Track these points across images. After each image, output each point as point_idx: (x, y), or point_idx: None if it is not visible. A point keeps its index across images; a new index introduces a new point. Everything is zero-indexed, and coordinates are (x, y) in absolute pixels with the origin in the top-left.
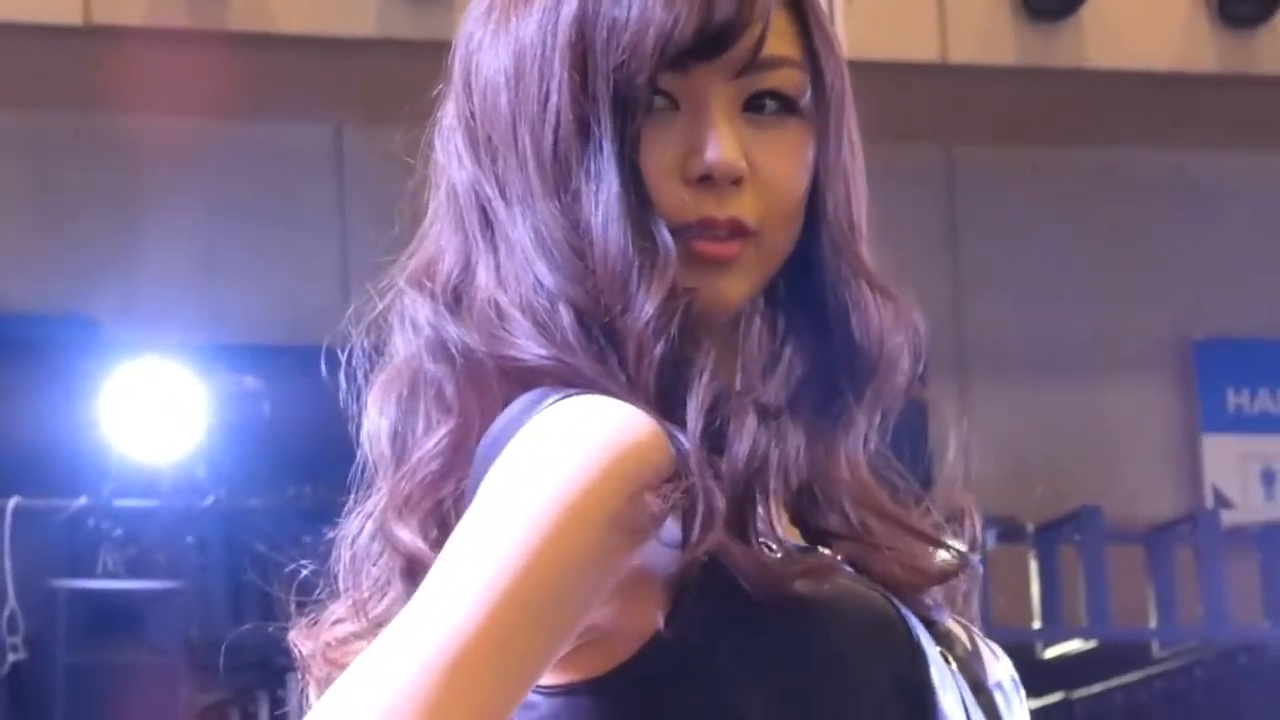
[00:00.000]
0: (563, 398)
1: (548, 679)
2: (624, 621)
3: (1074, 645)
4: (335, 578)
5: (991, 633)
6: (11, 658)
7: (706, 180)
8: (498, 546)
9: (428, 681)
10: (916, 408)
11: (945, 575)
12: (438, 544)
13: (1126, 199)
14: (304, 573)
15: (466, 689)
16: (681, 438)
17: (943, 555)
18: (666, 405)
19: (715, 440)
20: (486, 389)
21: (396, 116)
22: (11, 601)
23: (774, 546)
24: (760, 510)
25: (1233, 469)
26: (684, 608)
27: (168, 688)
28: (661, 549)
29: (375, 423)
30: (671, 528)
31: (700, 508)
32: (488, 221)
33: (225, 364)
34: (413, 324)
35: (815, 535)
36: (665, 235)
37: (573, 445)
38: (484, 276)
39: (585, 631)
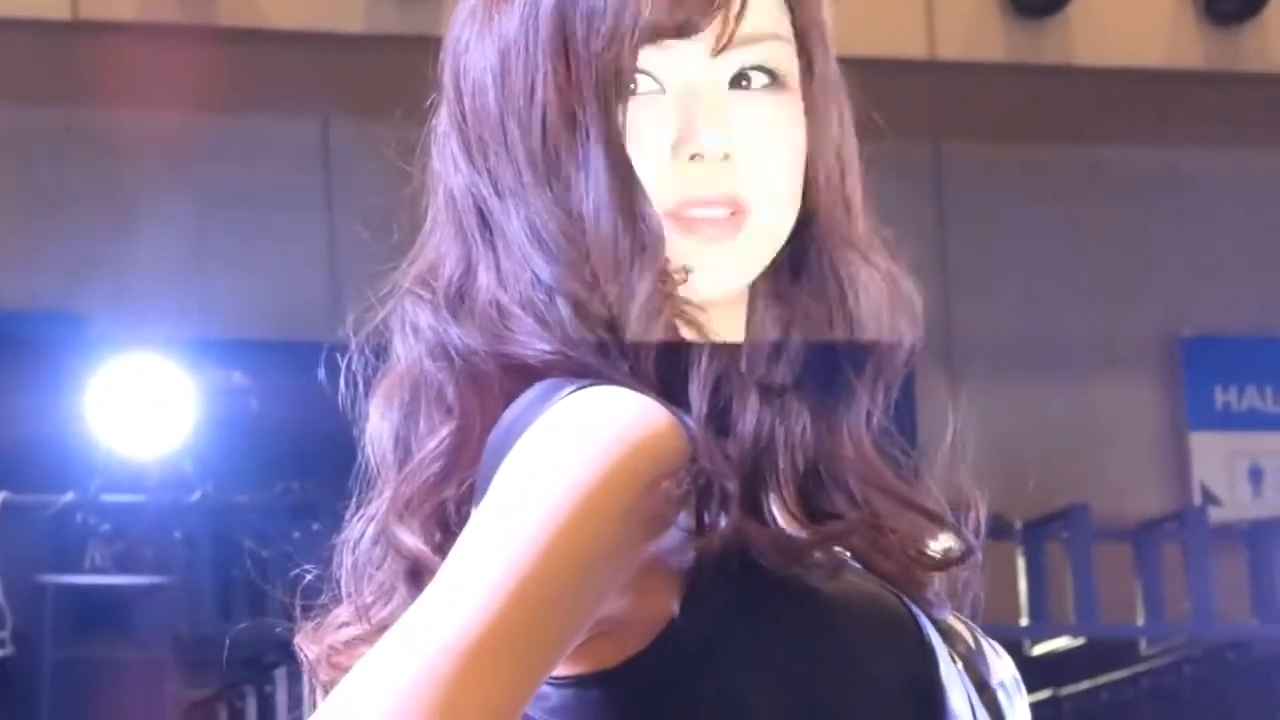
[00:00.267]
0: (577, 389)
1: (558, 670)
2: (637, 612)
3: (1062, 642)
4: (338, 582)
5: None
6: None
7: (696, 159)
8: (512, 539)
9: (441, 673)
10: (906, 403)
11: (949, 562)
12: (440, 547)
13: (1115, 196)
14: (306, 577)
15: (480, 681)
16: (692, 424)
17: (945, 541)
18: (669, 390)
19: (722, 422)
20: (487, 390)
21: (385, 111)
22: None
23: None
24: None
25: (1220, 466)
26: (698, 597)
27: (155, 683)
28: (675, 538)
29: (377, 427)
30: (685, 515)
31: (713, 491)
32: (485, 222)
33: (213, 359)
34: (413, 329)
35: (820, 519)
36: (653, 215)
37: (587, 437)
38: (485, 277)
39: (598, 623)
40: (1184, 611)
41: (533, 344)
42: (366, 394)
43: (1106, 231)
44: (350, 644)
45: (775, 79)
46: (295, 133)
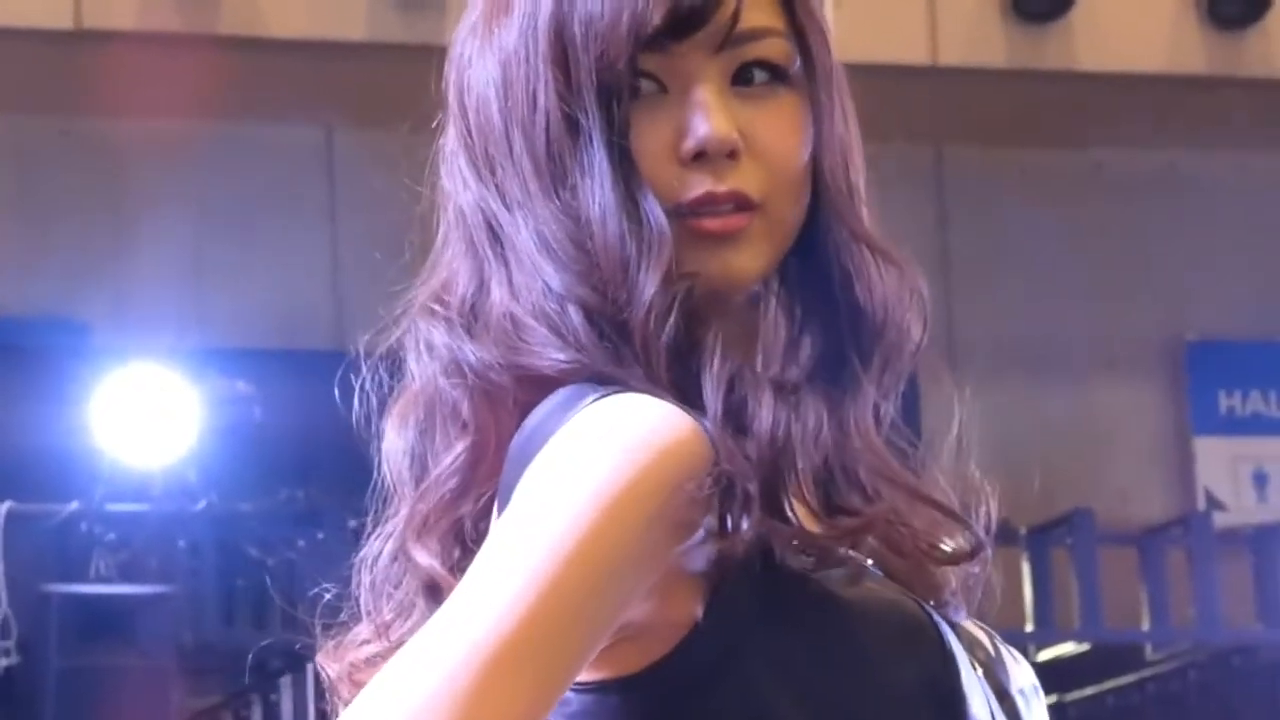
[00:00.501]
0: (600, 397)
1: (580, 675)
2: (661, 617)
3: (1067, 648)
4: (357, 600)
5: None
6: (4, 662)
7: (701, 157)
8: (536, 547)
9: (462, 683)
10: (910, 404)
11: (961, 556)
12: (458, 564)
13: (1117, 199)
14: (325, 596)
15: (500, 690)
16: (711, 427)
17: (956, 538)
18: (683, 392)
19: (737, 421)
20: (502, 404)
21: (388, 120)
22: (4, 606)
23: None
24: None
25: (1224, 471)
26: (721, 601)
27: (160, 692)
28: (699, 542)
29: (393, 445)
30: (709, 519)
31: (735, 493)
32: (496, 236)
33: (216, 368)
34: (428, 347)
35: (836, 515)
36: (659, 216)
37: (611, 444)
38: (498, 291)
39: (621, 628)
40: (1189, 617)
41: (548, 354)
42: (378, 408)
43: (1109, 235)
44: (371, 661)
45: (776, 74)
46: (298, 141)
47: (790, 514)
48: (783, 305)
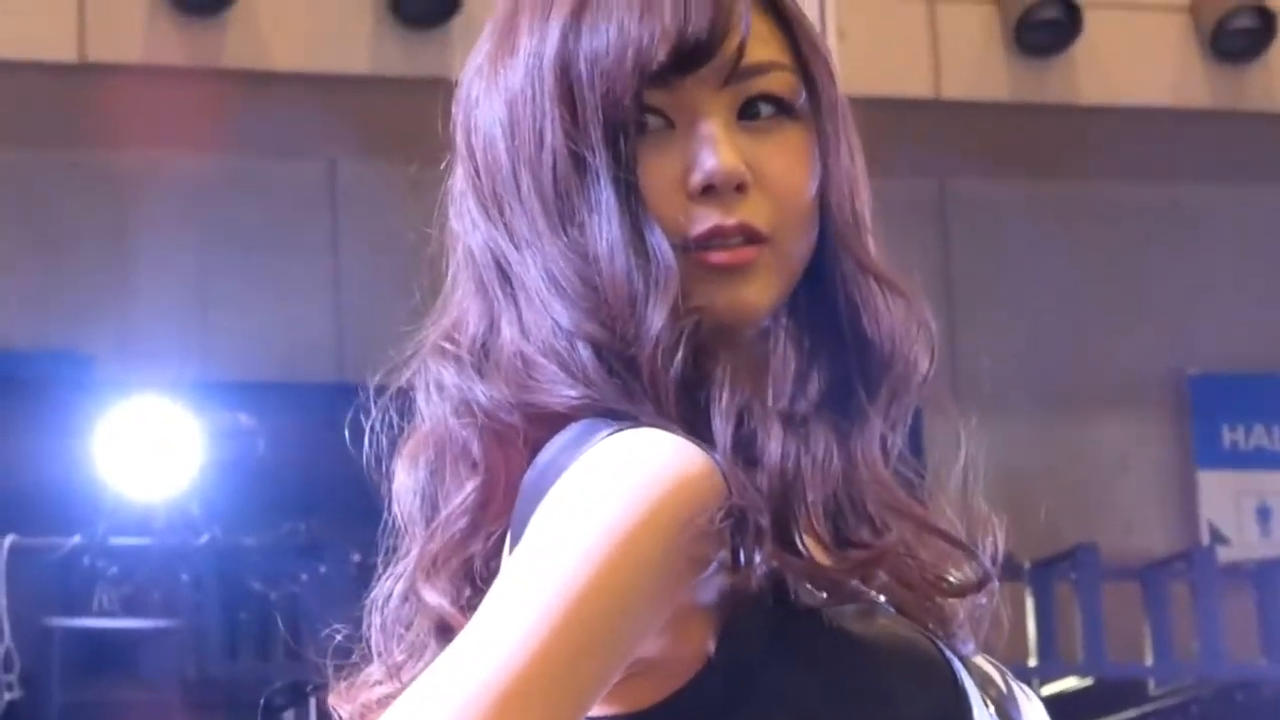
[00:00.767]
0: (613, 432)
1: (592, 710)
2: (673, 652)
3: (1070, 682)
4: (368, 641)
5: None
6: (7, 696)
7: (710, 191)
8: (549, 582)
9: (476, 714)
10: (914, 436)
11: (969, 588)
12: (468, 603)
13: (1120, 234)
14: (336, 637)
15: None
16: (723, 461)
17: (963, 570)
18: (693, 426)
19: (747, 454)
20: (512, 444)
21: (391, 153)
22: (7, 640)
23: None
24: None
25: (1228, 505)
26: (733, 636)
27: None
28: (712, 576)
29: (403, 485)
30: (722, 554)
31: (748, 527)
32: (505, 275)
33: (219, 401)
34: (438, 387)
35: (846, 548)
36: (665, 250)
37: (625, 480)
38: (508, 331)
39: (633, 663)
40: (1192, 651)
41: (559, 391)
42: (387, 447)
43: (1112, 269)
44: (383, 702)
45: (782, 108)
46: (301, 174)
47: (802, 547)
48: (791, 337)
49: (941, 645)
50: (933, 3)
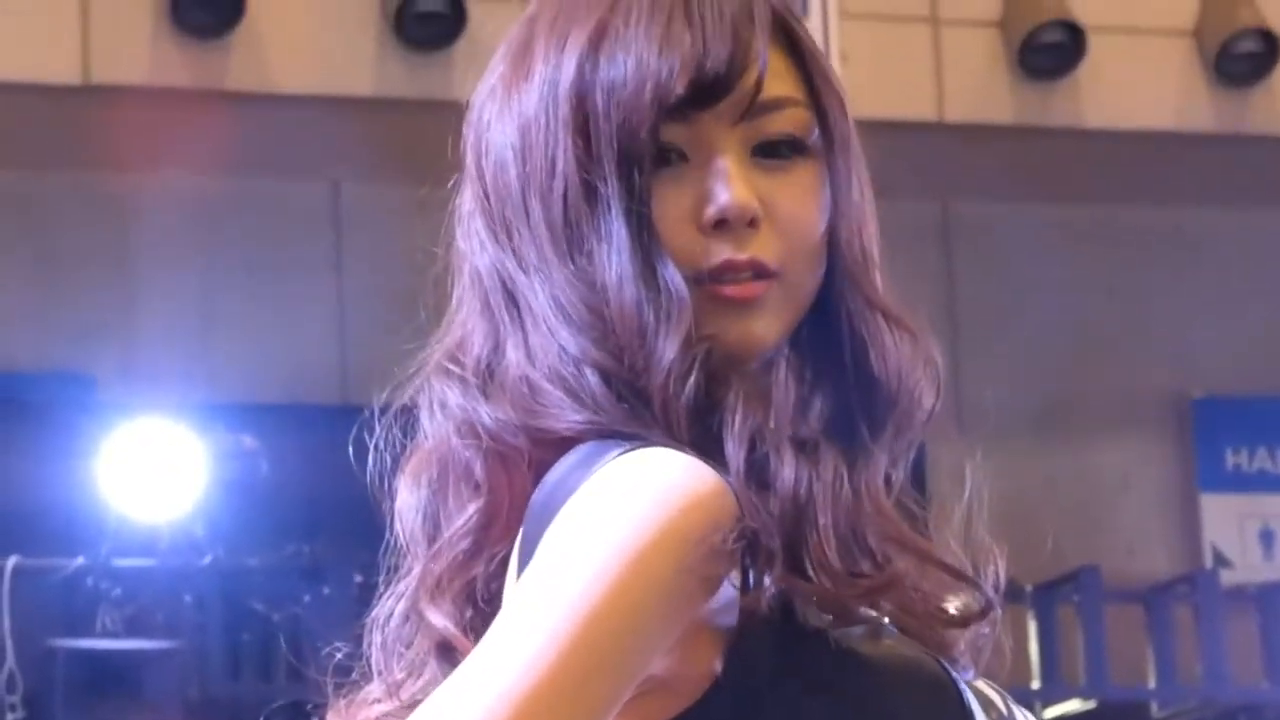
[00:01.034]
0: (625, 451)
1: None
2: (681, 671)
3: (1073, 705)
4: (368, 659)
5: None
6: (10, 717)
7: (722, 225)
8: (562, 602)
9: None
10: (917, 460)
11: (971, 618)
12: (470, 624)
13: (1123, 257)
14: (336, 655)
15: None
16: (735, 482)
17: (963, 598)
18: (704, 451)
19: (759, 479)
20: (516, 465)
21: (394, 174)
22: (10, 661)
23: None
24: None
25: (1231, 528)
26: (741, 657)
27: None
28: (722, 597)
29: (406, 504)
30: (732, 574)
31: (759, 549)
32: (512, 299)
33: (223, 423)
34: (441, 407)
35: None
36: (677, 281)
37: (638, 498)
38: (514, 354)
39: (642, 682)
40: (1195, 674)
41: (565, 416)
42: (390, 466)
43: (1115, 292)
44: None
45: (796, 144)
46: (305, 196)
47: (811, 571)
48: (792, 368)
49: (947, 666)
50: (936, 25)
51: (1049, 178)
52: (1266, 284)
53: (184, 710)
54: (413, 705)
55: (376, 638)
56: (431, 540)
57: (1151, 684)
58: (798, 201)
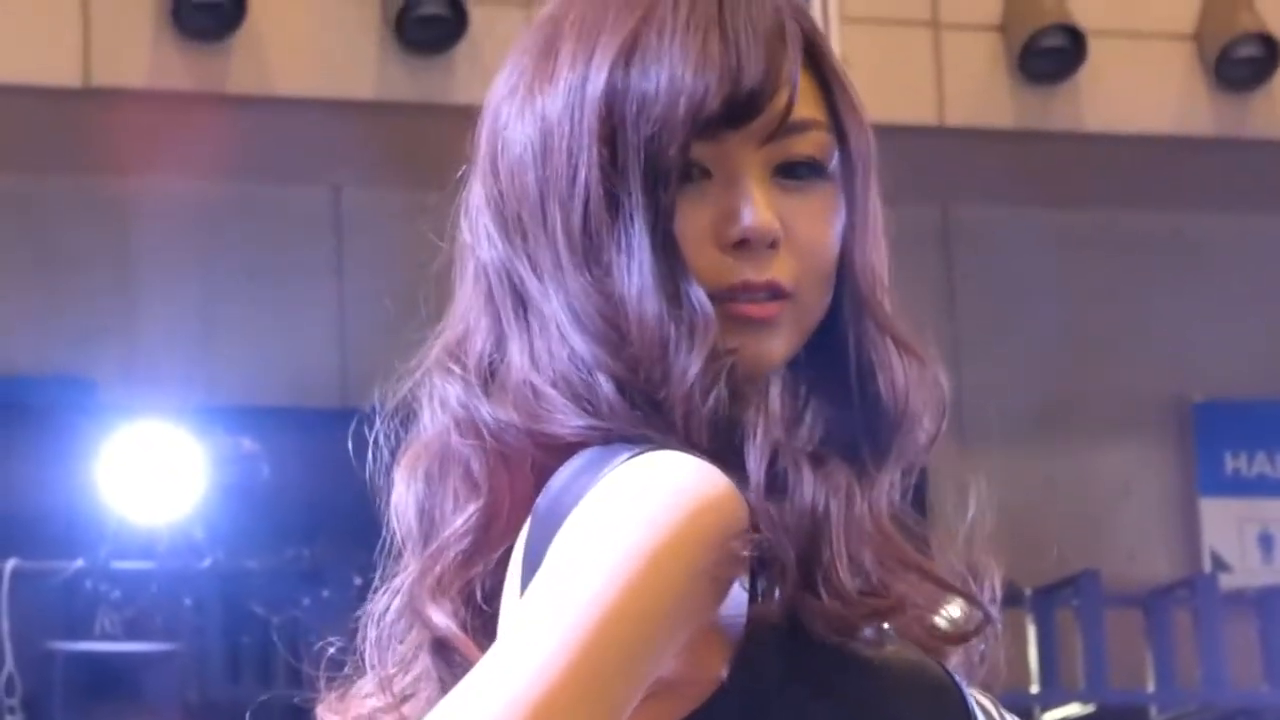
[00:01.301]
0: (634, 455)
1: None
2: (688, 675)
3: (1072, 709)
4: (361, 654)
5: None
6: None
7: (743, 245)
8: (581, 603)
9: None
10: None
11: (967, 634)
12: (470, 625)
13: (1124, 261)
14: (329, 650)
15: None
16: (749, 491)
17: (961, 610)
18: (722, 463)
19: (775, 493)
20: (517, 467)
21: (395, 178)
22: (9, 663)
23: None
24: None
25: (1231, 532)
26: (747, 661)
27: None
28: (730, 602)
29: (402, 498)
30: (742, 581)
31: (773, 560)
32: (520, 300)
33: (223, 426)
34: (441, 402)
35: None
36: (703, 299)
37: (650, 500)
38: (518, 357)
39: (649, 685)
40: (1194, 678)
41: (569, 421)
42: (388, 464)
43: (1115, 296)
44: (373, 715)
45: (817, 166)
46: (306, 199)
47: (821, 589)
48: (787, 386)
49: (949, 670)
50: (937, 29)
51: (1049, 182)
52: (1267, 288)
53: (183, 713)
54: (404, 699)
55: (371, 633)
56: (427, 535)
57: (1151, 688)
58: (815, 224)
